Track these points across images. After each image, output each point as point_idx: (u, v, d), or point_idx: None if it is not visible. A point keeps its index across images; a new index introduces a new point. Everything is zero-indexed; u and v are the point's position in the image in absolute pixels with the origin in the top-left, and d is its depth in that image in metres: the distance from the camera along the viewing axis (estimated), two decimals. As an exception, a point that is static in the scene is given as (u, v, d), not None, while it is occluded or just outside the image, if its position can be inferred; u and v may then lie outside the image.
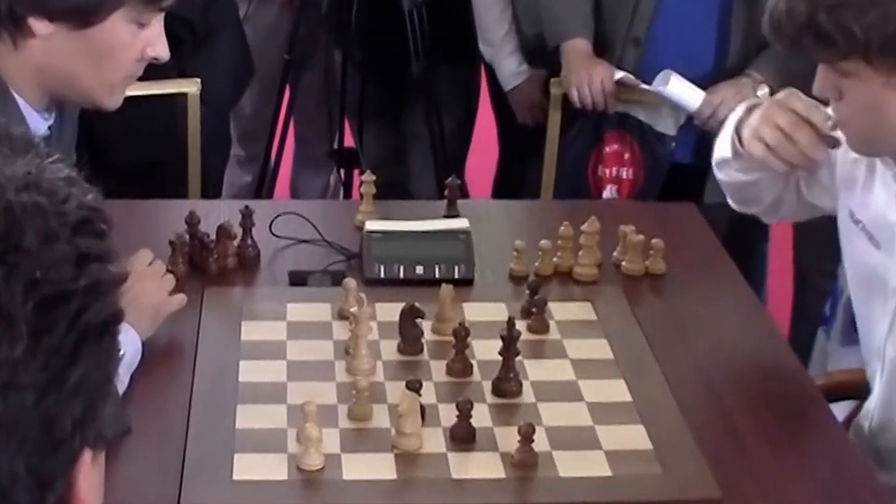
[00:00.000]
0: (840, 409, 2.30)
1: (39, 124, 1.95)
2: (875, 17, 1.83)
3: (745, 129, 2.15)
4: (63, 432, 0.77)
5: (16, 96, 1.91)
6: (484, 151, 4.10)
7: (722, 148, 2.27)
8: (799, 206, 2.32)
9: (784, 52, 2.10)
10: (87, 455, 0.80)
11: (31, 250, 0.75)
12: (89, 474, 0.81)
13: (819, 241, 2.42)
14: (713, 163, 2.34)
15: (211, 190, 3.49)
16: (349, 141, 3.97)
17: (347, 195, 4.00)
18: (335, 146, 3.98)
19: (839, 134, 2.06)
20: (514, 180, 3.83)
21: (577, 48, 3.25)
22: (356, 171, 3.82)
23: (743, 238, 3.13)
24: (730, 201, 2.42)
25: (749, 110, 2.18)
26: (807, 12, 1.88)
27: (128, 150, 3.28)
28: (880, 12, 1.83)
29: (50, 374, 0.75)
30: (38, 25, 1.86)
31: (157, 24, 1.94)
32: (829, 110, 2.08)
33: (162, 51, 1.96)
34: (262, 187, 3.82)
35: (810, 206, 2.29)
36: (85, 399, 0.78)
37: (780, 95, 2.15)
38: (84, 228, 0.79)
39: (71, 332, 0.76)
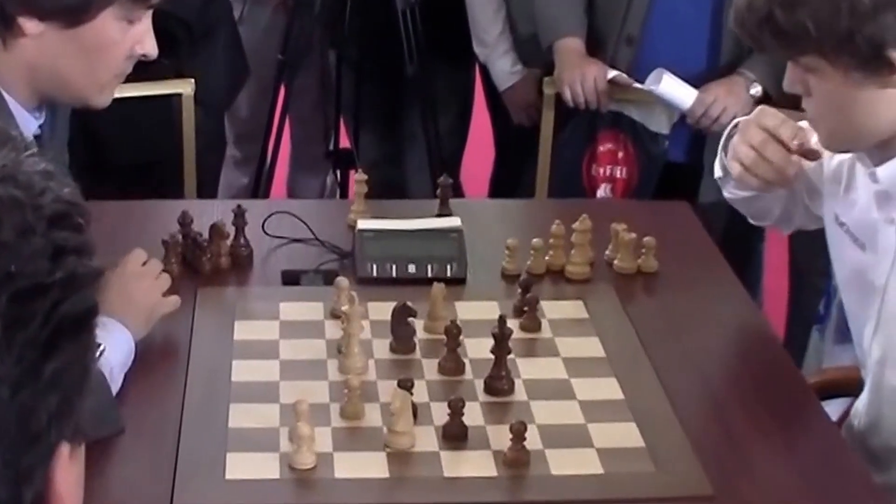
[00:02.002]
0: (835, 407, 2.30)
1: (30, 124, 1.95)
2: (827, 13, 1.85)
3: (730, 148, 2.18)
4: (39, 426, 0.77)
5: (6, 96, 1.92)
6: (480, 151, 4.10)
7: (717, 168, 2.30)
8: (808, 218, 2.33)
9: (752, 48, 2.12)
10: (64, 449, 0.80)
11: (6, 243, 0.75)
12: (67, 468, 0.80)
13: (815, 240, 2.42)
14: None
15: (207, 191, 3.50)
16: (345, 142, 3.97)
17: (344, 196, 4.00)
18: (331, 147, 3.98)
19: (814, 142, 2.07)
20: (509, 180, 3.83)
21: (569, 47, 3.25)
22: (352, 172, 3.82)
23: (739, 237, 3.13)
24: (749, 219, 2.44)
25: (736, 127, 2.20)
26: (765, 9, 1.90)
27: (124, 151, 3.29)
28: (832, 9, 1.84)
29: (25, 367, 0.75)
30: (29, 25, 1.86)
31: (145, 22, 1.95)
32: (801, 122, 2.11)
33: (151, 48, 1.96)
34: (259, 188, 3.81)
35: (817, 217, 2.30)
36: (61, 392, 0.78)
37: (753, 113, 2.17)
38: (60, 222, 0.78)
39: (46, 325, 0.76)
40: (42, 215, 0.77)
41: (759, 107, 2.20)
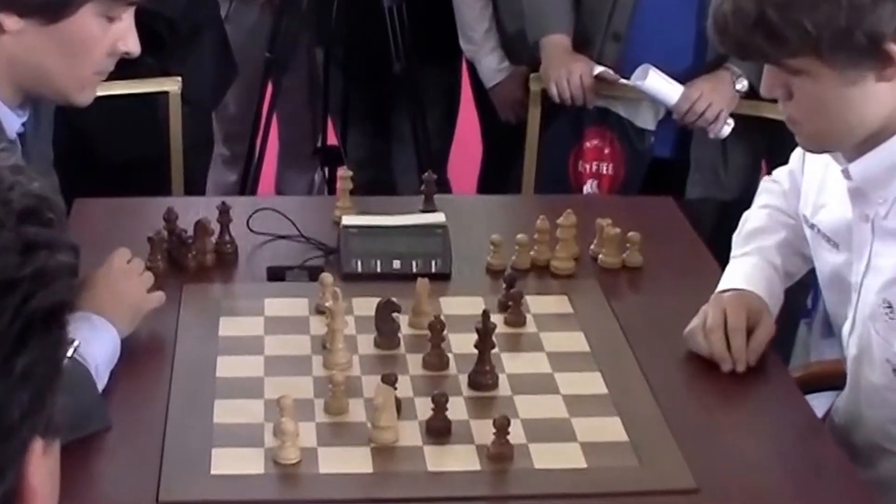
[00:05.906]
0: (823, 401, 2.31)
1: (14, 121, 1.95)
2: (826, 10, 1.78)
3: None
4: (11, 421, 0.77)
5: (-12, 94, 1.92)
6: (467, 148, 4.11)
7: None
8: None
9: (731, 54, 2.09)
10: (37, 445, 0.80)
11: None
12: (41, 464, 0.80)
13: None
14: None
15: (195, 189, 3.49)
16: (333, 139, 3.97)
17: (332, 193, 4.00)
18: (318, 144, 3.99)
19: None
20: (497, 177, 3.83)
21: (556, 43, 3.26)
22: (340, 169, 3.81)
23: (728, 233, 3.13)
24: None
25: None
26: (755, 10, 1.83)
27: (111, 149, 3.28)
28: (831, 5, 1.78)
29: None
30: (8, 21, 1.86)
31: (127, 19, 1.95)
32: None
33: (133, 45, 1.96)
34: (246, 186, 3.82)
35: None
36: (33, 387, 0.78)
37: (728, 297, 2.18)
38: (30, 217, 0.78)
39: (16, 320, 0.76)
40: (11, 210, 0.77)
41: (738, 292, 2.20)
